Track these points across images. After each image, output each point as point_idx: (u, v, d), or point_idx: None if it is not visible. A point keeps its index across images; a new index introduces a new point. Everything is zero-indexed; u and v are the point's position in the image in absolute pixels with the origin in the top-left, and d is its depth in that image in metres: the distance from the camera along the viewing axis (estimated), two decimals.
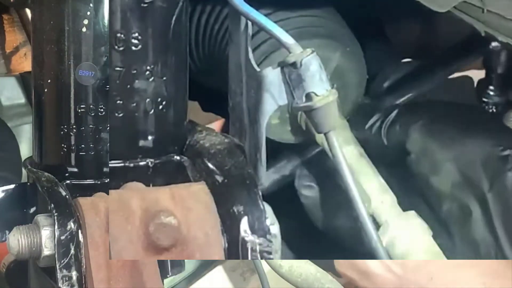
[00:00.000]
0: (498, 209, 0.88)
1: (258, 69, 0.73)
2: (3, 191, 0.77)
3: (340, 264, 0.90)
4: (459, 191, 0.90)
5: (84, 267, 0.67)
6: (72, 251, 0.66)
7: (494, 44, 1.12)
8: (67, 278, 0.66)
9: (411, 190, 0.96)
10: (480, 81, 1.20)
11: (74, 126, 0.73)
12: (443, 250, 0.90)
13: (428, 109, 0.98)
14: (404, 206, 0.94)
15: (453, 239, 0.92)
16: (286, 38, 0.70)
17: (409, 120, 0.97)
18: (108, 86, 0.72)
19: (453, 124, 0.94)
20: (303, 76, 0.70)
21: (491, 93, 1.17)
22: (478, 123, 0.97)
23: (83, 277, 0.67)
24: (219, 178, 0.69)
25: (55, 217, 0.67)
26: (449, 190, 0.92)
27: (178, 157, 0.74)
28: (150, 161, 0.72)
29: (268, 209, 0.68)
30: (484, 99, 1.17)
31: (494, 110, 1.17)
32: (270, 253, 0.66)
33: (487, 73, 1.19)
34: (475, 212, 0.89)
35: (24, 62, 1.08)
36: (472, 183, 0.90)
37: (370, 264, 0.88)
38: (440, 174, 0.92)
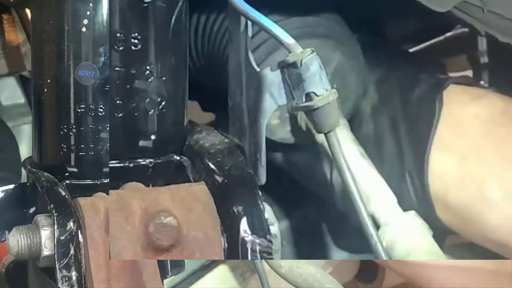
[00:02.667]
0: (405, 122, 0.94)
1: (258, 69, 0.73)
2: (2, 191, 0.77)
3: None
4: (376, 113, 0.93)
5: (84, 267, 0.66)
6: (72, 251, 0.66)
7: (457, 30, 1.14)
8: (66, 278, 0.66)
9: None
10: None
11: (74, 126, 0.73)
12: None
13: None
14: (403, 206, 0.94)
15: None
16: (286, 38, 0.70)
17: None
18: (108, 86, 0.72)
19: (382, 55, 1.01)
20: (303, 76, 0.69)
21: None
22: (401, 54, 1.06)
23: (82, 277, 0.66)
24: (219, 178, 0.69)
25: (55, 217, 0.67)
26: (369, 112, 0.98)
27: (178, 157, 0.74)
28: (150, 161, 0.72)
29: (268, 209, 0.68)
30: None
31: None
32: (270, 253, 0.66)
33: (473, 69, 1.19)
34: (386, 134, 0.93)
35: (24, 62, 1.08)
36: (387, 103, 0.96)
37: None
38: (366, 96, 0.96)
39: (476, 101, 0.92)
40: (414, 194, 0.93)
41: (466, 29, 1.13)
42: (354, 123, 1.00)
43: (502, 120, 0.89)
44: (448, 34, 1.16)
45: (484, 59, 1.15)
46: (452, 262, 0.88)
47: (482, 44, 1.13)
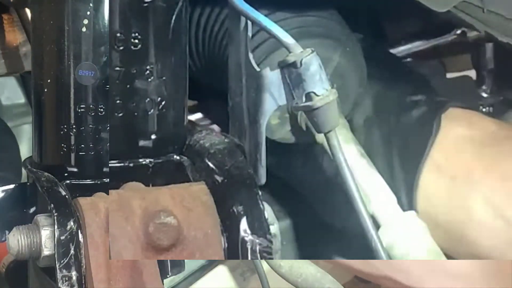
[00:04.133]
0: (398, 143, 0.94)
1: (258, 69, 0.73)
2: (3, 191, 0.77)
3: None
4: (369, 125, 0.93)
5: (84, 267, 0.66)
6: (72, 251, 0.66)
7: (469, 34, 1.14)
8: (66, 278, 0.66)
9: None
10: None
11: (74, 126, 0.73)
12: None
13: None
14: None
15: None
16: (286, 37, 0.70)
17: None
18: (108, 86, 0.72)
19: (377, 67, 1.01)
20: (303, 76, 0.70)
21: (484, 93, 1.17)
22: (399, 67, 1.07)
23: (83, 277, 0.66)
24: (219, 178, 0.69)
25: (55, 217, 0.67)
26: (362, 123, 0.98)
27: (178, 157, 0.74)
28: (150, 161, 0.72)
29: (268, 209, 0.68)
30: (479, 101, 1.18)
31: (491, 110, 1.17)
32: (270, 253, 0.66)
33: (477, 73, 1.19)
34: (377, 148, 0.94)
35: (24, 62, 1.08)
36: (382, 119, 0.97)
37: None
38: (359, 107, 0.96)
39: (472, 125, 0.94)
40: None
41: (471, 33, 1.13)
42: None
43: (492, 141, 0.91)
44: (451, 37, 1.16)
45: (490, 65, 1.15)
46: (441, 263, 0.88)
47: (487, 50, 1.14)
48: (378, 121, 0.98)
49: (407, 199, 0.93)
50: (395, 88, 1.01)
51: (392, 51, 1.17)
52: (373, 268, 0.84)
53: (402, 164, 0.94)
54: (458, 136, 0.93)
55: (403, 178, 0.93)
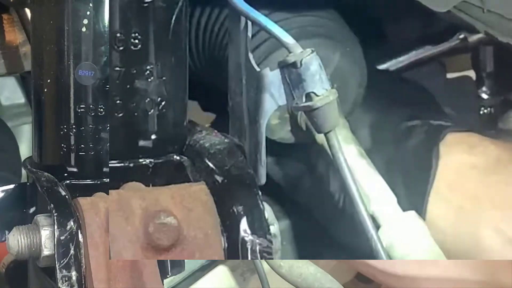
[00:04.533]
0: (400, 175, 0.93)
1: (258, 69, 0.73)
2: (2, 191, 0.77)
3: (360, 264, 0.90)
4: (370, 156, 0.94)
5: (84, 267, 0.66)
6: (72, 251, 0.66)
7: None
8: (66, 278, 0.66)
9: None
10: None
11: (74, 126, 0.73)
12: None
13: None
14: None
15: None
16: (286, 37, 0.70)
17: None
18: (108, 86, 0.72)
19: (373, 91, 0.99)
20: (303, 76, 0.69)
21: (484, 95, 1.17)
22: (393, 92, 1.05)
23: (82, 277, 0.66)
24: (219, 178, 0.69)
25: (55, 217, 0.67)
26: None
27: (178, 157, 0.74)
28: (150, 161, 0.72)
29: (268, 209, 0.68)
30: (480, 102, 1.17)
31: (492, 111, 1.17)
32: (270, 253, 0.66)
33: (477, 74, 1.19)
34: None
35: (24, 62, 1.08)
36: (381, 150, 0.96)
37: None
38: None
39: (472, 150, 0.93)
40: None
41: (472, 38, 1.12)
42: None
43: (497, 168, 0.90)
44: (454, 42, 1.15)
45: (490, 66, 1.15)
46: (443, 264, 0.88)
47: (487, 52, 1.14)
48: (377, 153, 0.97)
49: None
50: (390, 115, 1.00)
51: (393, 60, 1.16)
52: (396, 267, 0.84)
53: (408, 195, 0.93)
54: (460, 164, 0.92)
55: (410, 209, 0.92)
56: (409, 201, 0.92)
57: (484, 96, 1.17)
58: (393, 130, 0.98)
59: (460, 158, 0.92)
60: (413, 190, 0.93)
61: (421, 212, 0.91)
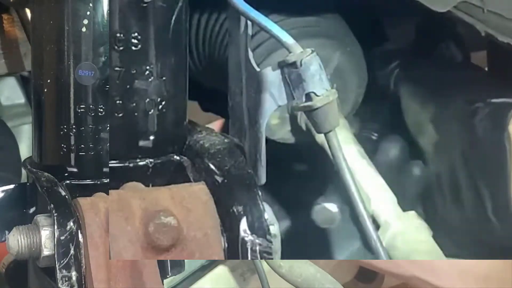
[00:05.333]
0: (476, 163, 0.90)
1: (258, 69, 0.73)
2: (3, 191, 0.77)
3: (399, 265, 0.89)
4: (441, 151, 0.92)
5: (84, 267, 0.67)
6: (72, 251, 0.66)
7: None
8: (66, 278, 0.66)
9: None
10: None
11: (74, 126, 0.73)
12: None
13: (421, 70, 1.00)
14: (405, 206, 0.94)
15: (445, 206, 0.93)
16: (286, 38, 0.70)
17: (405, 79, 1.01)
18: (108, 86, 0.72)
19: (432, 83, 0.98)
20: (303, 76, 0.69)
21: None
22: (451, 78, 1.01)
23: (82, 277, 0.66)
24: (219, 178, 0.69)
25: (55, 217, 0.67)
26: (432, 150, 0.95)
27: (178, 157, 0.74)
28: (150, 161, 0.72)
29: (268, 209, 0.68)
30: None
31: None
32: (270, 253, 0.66)
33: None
34: (459, 170, 0.90)
35: (24, 62, 1.08)
36: (451, 142, 0.93)
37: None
38: (423, 135, 0.94)
39: None
40: (504, 230, 0.90)
41: None
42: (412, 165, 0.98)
43: None
44: None
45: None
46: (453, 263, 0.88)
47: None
48: (447, 146, 0.94)
49: (507, 217, 0.89)
50: (450, 104, 0.96)
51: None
52: (400, 269, 0.83)
53: (489, 187, 0.89)
54: None
55: (493, 200, 0.89)
56: (492, 193, 0.89)
57: None
58: (457, 120, 0.95)
59: None
60: (493, 182, 0.90)
61: (508, 200, 0.88)
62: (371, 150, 1.01)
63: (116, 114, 0.71)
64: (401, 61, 1.03)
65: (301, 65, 0.69)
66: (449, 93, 0.96)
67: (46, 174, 0.72)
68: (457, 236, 0.93)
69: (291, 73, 0.70)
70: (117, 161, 0.71)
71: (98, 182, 0.74)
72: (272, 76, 0.72)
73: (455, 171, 0.92)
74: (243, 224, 0.66)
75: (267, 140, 0.76)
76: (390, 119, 1.06)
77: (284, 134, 0.99)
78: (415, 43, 1.11)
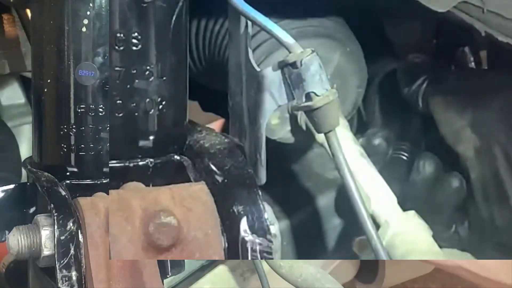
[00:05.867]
0: None
1: (258, 69, 0.73)
2: (3, 191, 0.77)
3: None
4: (483, 154, 0.91)
5: (84, 267, 0.67)
6: (72, 251, 0.66)
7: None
8: (66, 278, 0.66)
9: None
10: None
11: (74, 126, 0.73)
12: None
13: (451, 81, 0.99)
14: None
15: (490, 210, 0.92)
16: (286, 38, 0.70)
17: (434, 92, 0.99)
18: (108, 86, 0.72)
19: (466, 90, 0.96)
20: (303, 76, 0.69)
21: None
22: (481, 83, 1.00)
23: (83, 277, 0.66)
24: (219, 178, 0.69)
25: (55, 217, 0.67)
26: (473, 155, 0.93)
27: (178, 157, 0.74)
28: (150, 161, 0.72)
29: (268, 209, 0.68)
30: None
31: None
32: (270, 253, 0.66)
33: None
34: (503, 171, 0.90)
35: (24, 62, 1.08)
36: (493, 144, 0.92)
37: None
38: (462, 142, 0.93)
39: None
40: None
41: None
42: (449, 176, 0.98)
43: None
44: None
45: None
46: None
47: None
48: (488, 150, 0.93)
49: None
50: (488, 106, 0.95)
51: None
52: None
53: None
54: None
55: None
56: None
57: None
58: (497, 119, 0.94)
59: None
60: None
61: None
62: (404, 171, 1.02)
63: (116, 114, 0.71)
64: (427, 76, 1.02)
65: (301, 65, 0.69)
66: (485, 97, 0.96)
67: (46, 174, 0.72)
68: (507, 237, 0.94)
69: (291, 73, 0.70)
70: (117, 161, 0.71)
71: (98, 182, 0.74)
72: (272, 76, 0.72)
73: (499, 173, 0.92)
74: (243, 224, 0.66)
75: (267, 140, 0.76)
76: (419, 136, 1.06)
77: (284, 134, 0.99)
78: (435, 55, 1.11)
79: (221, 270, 0.98)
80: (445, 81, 1.01)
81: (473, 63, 1.11)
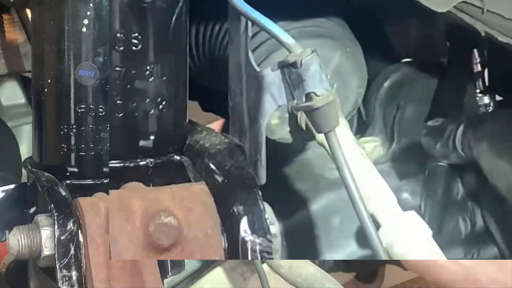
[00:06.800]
0: None
1: (258, 69, 0.73)
2: (3, 191, 0.77)
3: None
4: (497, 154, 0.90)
5: (84, 267, 0.67)
6: (72, 251, 0.66)
7: None
8: (67, 278, 0.66)
9: None
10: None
11: (74, 126, 0.73)
12: None
13: (492, 125, 0.96)
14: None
15: None
16: (286, 38, 0.70)
17: (476, 138, 0.95)
18: (108, 86, 0.72)
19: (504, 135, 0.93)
20: (303, 76, 0.69)
21: (480, 94, 1.16)
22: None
23: (83, 277, 0.66)
24: (219, 178, 0.69)
25: (55, 217, 0.67)
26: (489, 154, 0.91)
27: (178, 157, 0.74)
28: (150, 161, 0.72)
29: (268, 209, 0.68)
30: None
31: (489, 110, 1.16)
32: (270, 253, 0.66)
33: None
34: None
35: (24, 62, 1.08)
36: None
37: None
38: (481, 140, 0.92)
39: None
40: None
41: None
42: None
43: None
44: None
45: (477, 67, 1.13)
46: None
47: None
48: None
49: None
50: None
51: None
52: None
53: None
54: None
55: None
56: None
57: (479, 95, 1.15)
58: None
59: None
60: None
61: None
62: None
63: (116, 114, 0.71)
64: (465, 124, 0.98)
65: (301, 65, 0.69)
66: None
67: (46, 174, 0.72)
68: None
69: (291, 73, 0.70)
70: (117, 161, 0.72)
71: (98, 182, 0.74)
72: (272, 76, 0.72)
73: None
74: (244, 224, 0.66)
75: (267, 140, 0.76)
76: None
77: (284, 134, 0.99)
78: (448, 57, 1.10)
79: (221, 270, 0.98)
80: (481, 125, 0.97)
81: (479, 66, 1.11)
